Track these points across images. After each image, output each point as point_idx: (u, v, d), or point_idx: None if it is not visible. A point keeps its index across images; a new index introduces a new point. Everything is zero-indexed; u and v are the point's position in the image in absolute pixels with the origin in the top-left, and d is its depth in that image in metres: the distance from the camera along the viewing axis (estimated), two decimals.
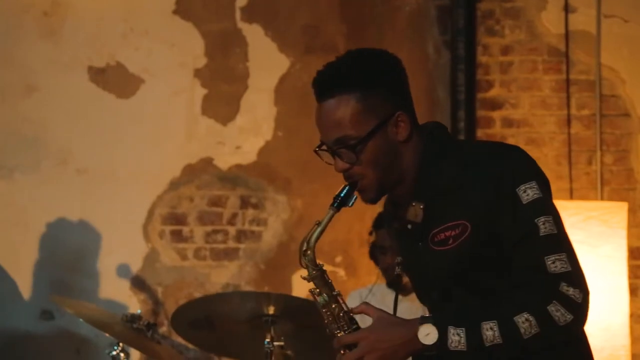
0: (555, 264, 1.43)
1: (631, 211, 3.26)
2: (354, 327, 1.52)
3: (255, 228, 3.55)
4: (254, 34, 3.58)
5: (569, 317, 1.41)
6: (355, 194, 1.55)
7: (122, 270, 3.51)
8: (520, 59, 3.49)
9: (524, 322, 1.40)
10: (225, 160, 3.56)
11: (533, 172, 1.49)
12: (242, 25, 3.59)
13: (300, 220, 3.55)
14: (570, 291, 1.42)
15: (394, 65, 1.55)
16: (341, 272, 3.52)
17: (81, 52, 3.54)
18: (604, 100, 3.44)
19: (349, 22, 3.57)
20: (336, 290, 1.54)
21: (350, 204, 1.54)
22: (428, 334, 1.42)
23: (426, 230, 1.52)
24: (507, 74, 3.49)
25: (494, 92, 3.48)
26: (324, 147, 1.56)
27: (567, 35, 3.45)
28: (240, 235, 3.55)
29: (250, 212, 3.55)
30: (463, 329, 1.42)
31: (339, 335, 1.51)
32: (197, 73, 3.57)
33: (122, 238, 3.52)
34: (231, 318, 2.27)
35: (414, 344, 1.44)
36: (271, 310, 2.21)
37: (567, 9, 3.45)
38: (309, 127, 3.63)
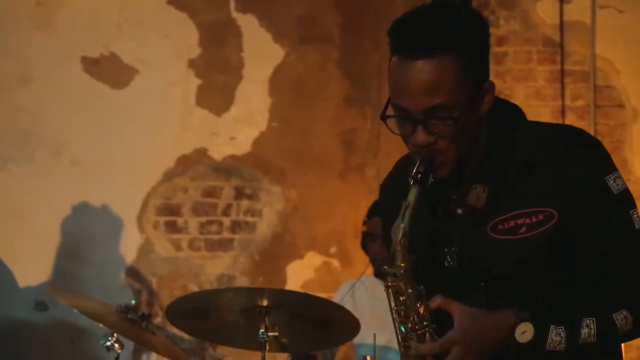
0: None
1: None
2: (434, 326, 1.30)
3: (249, 219, 3.55)
4: (249, 24, 3.57)
5: None
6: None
7: (117, 261, 3.51)
8: (515, 50, 3.49)
9: (622, 319, 1.32)
10: (219, 151, 3.56)
11: (612, 161, 1.37)
12: (236, 15, 3.58)
13: (295, 211, 3.55)
14: None
15: (488, 28, 1.36)
16: (335, 263, 3.53)
17: (75, 42, 3.52)
18: (598, 91, 3.44)
19: (344, 12, 3.56)
20: (421, 286, 1.30)
21: (429, 183, 1.30)
22: (524, 332, 1.28)
23: (485, 216, 1.33)
24: (502, 65, 3.48)
25: None
26: (403, 114, 1.30)
27: (561, 25, 3.45)
28: (235, 226, 3.55)
29: (245, 202, 3.55)
30: (562, 327, 1.29)
31: (421, 344, 1.29)
32: (192, 63, 3.56)
33: (117, 229, 3.52)
34: (226, 309, 2.28)
35: (509, 341, 1.28)
36: (265, 302, 2.21)
37: None
38: (303, 118, 3.65)
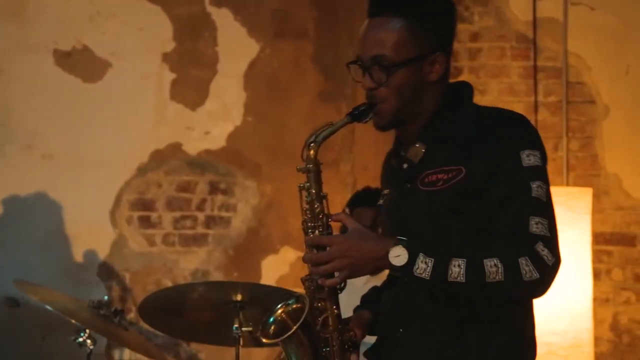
0: (537, 225, 1.45)
1: (595, 197, 3.32)
2: (328, 231, 1.54)
3: (224, 214, 3.54)
4: (223, 19, 3.55)
5: (536, 275, 1.43)
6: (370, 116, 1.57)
7: (89, 257, 3.48)
8: (488, 46, 3.51)
9: (492, 266, 1.43)
10: (194, 146, 3.54)
11: (539, 143, 1.53)
12: (211, 9, 3.56)
13: (270, 205, 3.55)
14: (545, 252, 1.44)
15: (450, 9, 1.58)
16: None
17: (46, 34, 3.48)
18: (570, 87, 3.48)
19: (319, 6, 3.56)
20: (324, 193, 1.56)
21: (364, 121, 1.54)
22: (398, 256, 1.45)
23: (419, 171, 1.54)
24: (476, 60, 3.51)
25: (463, 78, 3.49)
26: (358, 63, 1.56)
27: (534, 22, 3.48)
28: (209, 221, 3.54)
29: (220, 197, 3.54)
30: (432, 259, 1.44)
31: (312, 234, 1.53)
32: (166, 57, 3.54)
33: (89, 224, 3.48)
34: (199, 305, 2.27)
35: (383, 261, 1.46)
36: (239, 297, 2.20)
37: None
38: (278, 112, 3.64)
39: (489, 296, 1.46)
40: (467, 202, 1.48)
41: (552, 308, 2.91)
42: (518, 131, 1.51)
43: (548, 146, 3.47)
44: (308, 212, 1.55)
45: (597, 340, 3.25)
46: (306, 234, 1.56)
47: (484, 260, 1.43)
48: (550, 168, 3.72)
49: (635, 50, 3.46)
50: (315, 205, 1.55)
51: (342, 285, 1.52)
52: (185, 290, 2.43)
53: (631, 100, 3.46)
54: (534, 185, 1.48)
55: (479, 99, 3.50)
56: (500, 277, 1.43)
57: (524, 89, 3.51)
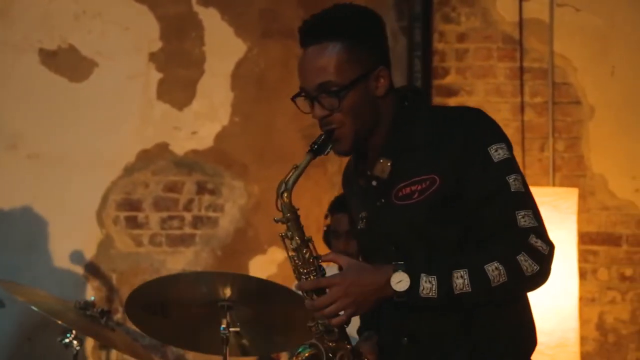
0: (524, 218, 1.47)
1: (581, 197, 3.34)
2: (322, 273, 1.53)
3: (211, 214, 3.53)
4: (211, 18, 3.54)
5: (536, 267, 1.46)
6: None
7: (76, 257, 3.46)
8: (475, 47, 3.53)
9: (494, 270, 1.44)
10: (181, 146, 3.53)
11: (502, 134, 1.54)
12: (198, 8, 3.55)
13: (258, 205, 3.54)
14: (539, 243, 1.46)
15: (379, 23, 1.59)
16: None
17: (31, 33, 3.45)
18: (556, 87, 3.50)
19: (306, 6, 3.56)
20: (308, 237, 1.55)
21: (325, 152, 1.54)
22: (400, 281, 1.45)
23: (391, 186, 1.54)
24: (463, 61, 3.52)
25: (449, 79, 3.52)
26: (303, 94, 1.56)
27: (520, 23, 3.50)
28: (197, 221, 3.53)
29: (207, 197, 3.53)
30: (435, 276, 1.45)
31: (303, 282, 1.53)
32: (152, 57, 3.52)
33: (76, 224, 3.47)
34: (186, 303, 2.25)
35: (385, 290, 1.46)
36: (227, 293, 2.19)
37: None
38: (266, 113, 3.63)
39: (497, 298, 1.48)
40: (447, 209, 1.49)
41: (538, 307, 2.92)
42: (479, 127, 1.52)
43: (534, 146, 3.53)
44: (296, 258, 1.54)
45: (583, 339, 3.27)
46: (299, 279, 1.55)
47: (485, 266, 1.44)
48: (536, 168, 3.76)
49: (620, 51, 3.49)
50: (304, 251, 1.53)
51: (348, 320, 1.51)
52: (173, 281, 2.40)
53: (616, 101, 3.49)
54: (510, 179, 1.49)
55: (466, 100, 3.54)
56: (503, 278, 1.45)
57: (510, 90, 3.52)
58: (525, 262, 1.45)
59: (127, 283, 3.47)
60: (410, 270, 1.45)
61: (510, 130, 3.49)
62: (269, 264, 3.54)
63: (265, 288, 2.29)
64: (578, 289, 3.13)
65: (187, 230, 3.52)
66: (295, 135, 3.53)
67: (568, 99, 3.51)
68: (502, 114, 3.51)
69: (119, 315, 3.38)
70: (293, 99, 1.58)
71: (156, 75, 3.52)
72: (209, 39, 3.54)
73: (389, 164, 1.54)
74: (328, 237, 2.94)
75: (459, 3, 3.52)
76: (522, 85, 3.51)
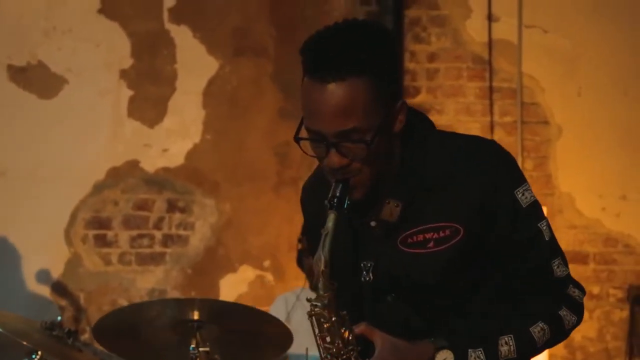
0: (559, 268, 1.38)
1: (550, 215, 3.38)
2: (360, 348, 1.33)
3: (182, 232, 3.51)
4: (182, 35, 3.54)
5: (574, 319, 1.40)
6: None
7: (42, 276, 3.41)
8: (445, 66, 3.57)
9: (539, 331, 1.36)
10: (151, 163, 3.51)
11: (522, 173, 1.40)
12: (169, 26, 3.54)
13: (229, 224, 3.53)
14: (576, 293, 1.40)
15: (394, 42, 1.36)
16: (269, 277, 3.52)
17: (0, 49, 3.42)
18: (525, 107, 3.56)
19: (278, 24, 3.57)
20: (343, 312, 1.32)
21: (346, 205, 1.30)
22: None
23: (398, 230, 1.35)
24: (434, 81, 3.56)
25: (420, 98, 3.55)
26: (313, 137, 1.30)
27: (490, 44, 3.55)
28: (167, 240, 3.50)
29: (178, 215, 3.50)
30: (481, 349, 1.33)
31: None
32: (123, 74, 3.50)
33: (43, 242, 3.42)
34: (156, 325, 2.23)
35: None
36: (196, 315, 2.18)
37: (490, 18, 3.55)
38: (238, 130, 3.63)
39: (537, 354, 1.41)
40: (467, 260, 1.35)
41: None
42: (504, 168, 1.36)
43: None
44: (337, 340, 1.31)
45: (551, 357, 3.30)
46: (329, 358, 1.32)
47: (530, 329, 1.35)
48: None
49: (587, 72, 3.56)
50: (342, 331, 1.30)
51: None
52: (141, 309, 2.38)
53: (583, 121, 3.55)
54: (543, 226, 1.37)
55: (437, 119, 3.58)
56: (547, 336, 1.37)
57: (480, 109, 3.57)
58: (567, 317, 1.38)
59: (95, 302, 3.42)
60: (454, 347, 1.32)
61: None
62: (239, 282, 3.52)
63: (233, 310, 2.27)
64: None
65: (157, 248, 3.49)
66: (267, 152, 3.53)
67: (536, 119, 3.57)
68: (472, 132, 3.53)
69: (86, 336, 3.33)
70: (298, 139, 1.31)
71: (127, 93, 3.51)
72: (181, 57, 3.54)
73: (397, 205, 1.34)
74: (302, 259, 2.93)
75: (429, 23, 3.57)
76: (491, 105, 3.55)
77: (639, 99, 3.55)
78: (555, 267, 1.38)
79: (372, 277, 1.37)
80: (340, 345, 1.31)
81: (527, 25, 3.55)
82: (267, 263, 3.52)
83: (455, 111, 3.57)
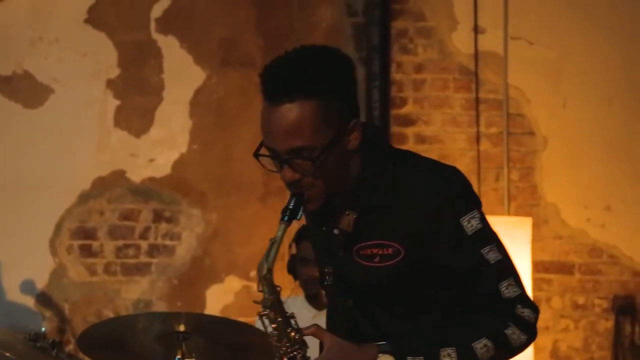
0: (508, 289, 1.43)
1: (535, 226, 3.40)
2: (306, 350, 1.44)
3: (168, 242, 3.49)
4: (170, 46, 3.54)
5: (524, 337, 1.44)
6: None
7: (27, 286, 3.38)
8: (432, 77, 3.59)
9: (482, 347, 1.41)
10: (138, 173, 3.49)
11: (473, 199, 1.46)
12: (157, 36, 3.54)
13: (215, 234, 3.52)
14: (525, 313, 1.44)
15: (350, 68, 1.44)
16: (255, 287, 3.50)
17: None
18: (511, 118, 3.58)
19: (266, 36, 3.58)
20: (289, 312, 1.45)
21: (299, 217, 1.42)
22: None
23: (352, 241, 1.46)
24: (420, 92, 3.58)
25: (407, 109, 3.57)
26: (269, 154, 1.42)
27: (476, 55, 3.57)
28: (153, 250, 3.49)
29: (164, 226, 3.49)
30: (422, 357, 1.40)
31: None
32: (110, 84, 3.50)
33: (28, 252, 3.39)
34: (141, 337, 2.22)
35: None
36: (182, 327, 2.17)
37: (476, 30, 3.57)
38: (224, 141, 3.63)
39: None
40: (412, 277, 1.43)
41: None
42: (450, 194, 1.42)
43: (490, 176, 3.59)
44: (284, 339, 1.43)
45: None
46: (279, 357, 1.44)
47: (473, 345, 1.41)
48: (491, 198, 3.82)
49: (572, 84, 3.59)
50: (288, 330, 1.42)
51: None
52: (125, 322, 2.37)
53: (568, 132, 3.58)
54: (485, 251, 1.42)
55: (423, 130, 3.59)
56: (492, 353, 1.42)
57: (466, 120, 3.58)
58: (514, 335, 1.42)
59: (80, 313, 3.40)
60: (396, 353, 1.39)
61: (467, 160, 3.54)
62: (225, 293, 3.51)
63: (220, 323, 2.27)
64: None
65: (143, 259, 3.47)
66: (254, 163, 3.50)
67: (522, 130, 3.59)
68: (458, 143, 3.56)
69: (70, 347, 3.31)
70: (257, 156, 1.44)
71: (114, 102, 3.50)
72: (168, 67, 3.53)
73: (354, 217, 1.44)
74: (294, 266, 2.93)
75: (416, 35, 3.59)
76: (477, 116, 3.57)
77: (624, 110, 3.58)
78: (504, 289, 1.43)
79: (331, 282, 1.50)
80: (287, 344, 1.42)
81: (513, 37, 3.58)
82: (253, 273, 3.51)
83: (442, 122, 3.58)
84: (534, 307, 1.46)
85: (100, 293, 3.44)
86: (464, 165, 3.54)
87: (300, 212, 1.42)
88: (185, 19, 3.55)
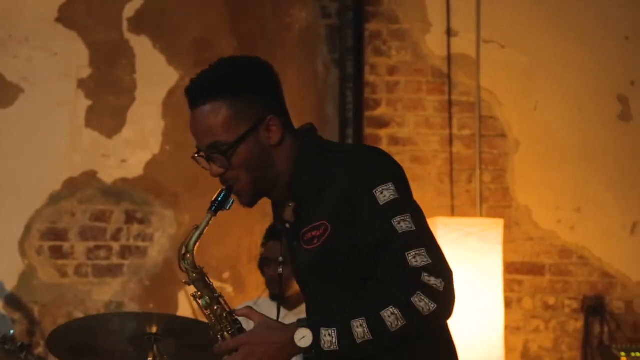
0: (415, 258, 1.48)
1: (507, 227, 3.43)
2: (237, 327, 1.56)
3: (140, 244, 3.47)
4: (142, 46, 3.51)
5: (433, 306, 1.46)
6: (233, 197, 1.60)
7: None
8: (405, 79, 3.61)
9: (390, 315, 1.46)
10: (109, 174, 3.46)
11: (389, 173, 1.53)
12: (129, 36, 3.51)
13: (188, 235, 3.49)
14: (432, 280, 1.47)
15: (265, 71, 1.60)
16: (229, 289, 3.49)
17: None
18: (483, 121, 3.61)
19: (239, 36, 3.57)
20: (218, 293, 1.58)
21: (227, 208, 1.58)
22: (304, 337, 1.47)
23: (298, 229, 1.57)
24: (394, 94, 3.59)
25: (380, 111, 3.58)
26: (199, 154, 1.60)
27: (449, 58, 3.60)
28: (125, 251, 3.46)
29: (136, 227, 3.46)
30: (334, 329, 1.47)
31: (220, 341, 1.55)
32: (81, 84, 3.46)
33: None
34: (112, 339, 2.20)
35: (291, 347, 1.49)
36: (154, 329, 2.15)
37: (449, 33, 3.60)
38: None
39: (402, 341, 1.49)
40: (344, 254, 1.52)
41: (465, 337, 2.97)
42: (366, 169, 1.52)
43: (462, 178, 3.61)
44: (212, 317, 1.57)
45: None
46: (215, 336, 1.57)
47: (381, 313, 1.46)
48: (464, 199, 3.84)
49: (543, 87, 3.63)
50: (215, 308, 1.56)
51: None
52: (96, 322, 2.35)
53: (540, 135, 3.62)
54: (396, 221, 1.49)
55: (396, 131, 3.61)
56: (402, 321, 1.46)
57: (439, 122, 3.61)
58: (421, 303, 1.46)
59: (50, 315, 3.35)
60: (311, 325, 1.48)
61: (439, 162, 3.57)
62: None
63: (192, 325, 2.26)
64: (504, 318, 3.20)
65: (115, 260, 3.44)
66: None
67: (494, 132, 3.62)
68: (431, 145, 3.59)
69: (40, 350, 3.26)
70: (193, 157, 1.62)
71: (85, 102, 3.46)
72: (140, 67, 3.51)
73: (292, 207, 1.57)
74: (262, 266, 2.93)
75: (390, 37, 3.60)
76: (450, 118, 3.60)
77: (593, 114, 3.63)
78: (411, 258, 1.48)
79: (282, 270, 1.66)
80: (217, 321, 1.56)
81: (485, 40, 3.61)
82: (226, 275, 3.50)
83: (415, 124, 3.60)
84: (445, 277, 1.48)
85: (70, 295, 3.40)
86: (437, 167, 3.57)
87: (229, 204, 1.56)
88: (158, 19, 3.53)
